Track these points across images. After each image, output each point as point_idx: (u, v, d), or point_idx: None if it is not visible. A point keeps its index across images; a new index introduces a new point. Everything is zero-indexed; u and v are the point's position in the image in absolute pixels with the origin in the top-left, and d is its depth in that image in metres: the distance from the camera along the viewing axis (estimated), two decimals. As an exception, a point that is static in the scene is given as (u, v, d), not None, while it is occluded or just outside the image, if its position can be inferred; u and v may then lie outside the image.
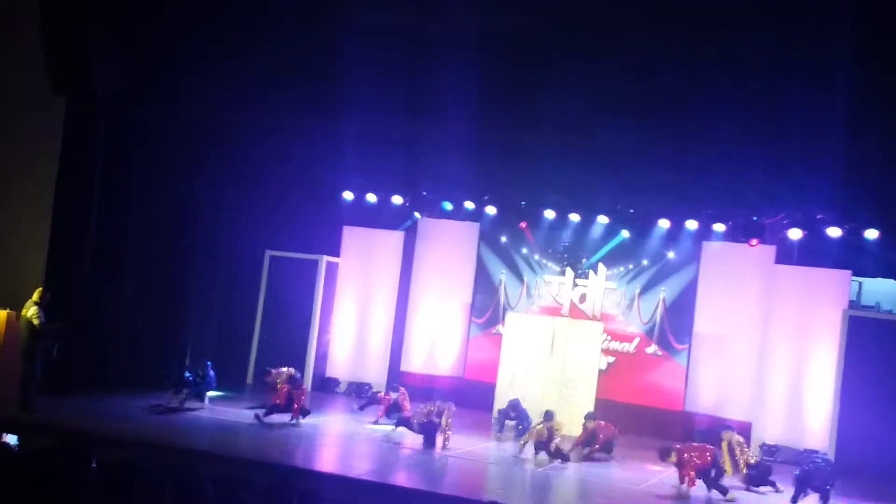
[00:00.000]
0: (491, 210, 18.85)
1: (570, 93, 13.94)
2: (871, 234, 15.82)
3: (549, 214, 18.42)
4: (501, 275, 19.26)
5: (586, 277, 18.66)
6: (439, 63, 13.94)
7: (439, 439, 14.29)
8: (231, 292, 19.17)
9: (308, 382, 18.94)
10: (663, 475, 13.81)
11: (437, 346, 19.54)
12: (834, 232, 16.14)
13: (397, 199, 19.28)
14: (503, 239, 19.22)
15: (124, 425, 13.02)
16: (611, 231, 18.14)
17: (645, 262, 18.23)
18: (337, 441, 14.69)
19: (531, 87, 14.16)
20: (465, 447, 14.62)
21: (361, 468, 12.46)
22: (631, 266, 18.35)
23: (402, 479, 12.30)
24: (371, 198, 19.39)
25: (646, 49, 13.29)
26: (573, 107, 14.04)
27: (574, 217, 18.32)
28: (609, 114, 13.92)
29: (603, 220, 18.03)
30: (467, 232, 19.52)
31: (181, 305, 17.70)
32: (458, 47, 13.79)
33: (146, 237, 16.78)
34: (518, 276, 19.12)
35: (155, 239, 16.91)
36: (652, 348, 18.06)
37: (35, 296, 13.43)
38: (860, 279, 16.99)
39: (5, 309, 13.61)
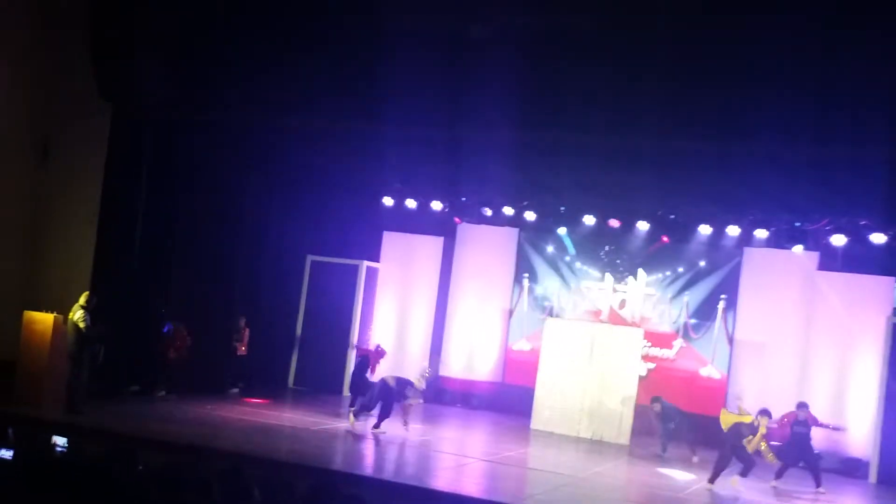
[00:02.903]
0: (530, 215, 18.86)
1: (612, 95, 13.90)
2: (917, 240, 15.62)
3: (589, 220, 18.39)
4: (525, 278, 19.28)
5: (626, 283, 18.62)
6: (480, 67, 13.95)
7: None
8: (274, 297, 19.38)
9: (347, 386, 19.10)
10: (703, 483, 13.73)
11: (476, 352, 19.58)
12: (878, 238, 15.95)
13: (437, 205, 19.37)
14: (549, 248, 19.18)
15: (170, 427, 13.21)
16: (652, 236, 18.07)
17: (682, 269, 18.14)
18: (375, 445, 14.77)
19: (573, 91, 14.13)
20: (503, 453, 14.65)
21: (402, 472, 12.53)
22: (668, 273, 18.27)
23: (441, 483, 12.35)
24: (411, 203, 19.50)
25: (692, 51, 13.22)
26: (616, 110, 13.99)
27: (614, 222, 18.28)
28: (653, 117, 13.85)
29: (643, 225, 17.97)
30: (507, 237, 19.55)
31: (225, 310, 17.90)
32: (499, 50, 13.80)
33: (191, 242, 17.01)
34: (560, 281, 19.11)
35: (200, 244, 17.13)
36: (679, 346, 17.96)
37: (82, 299, 13.67)
38: (905, 286, 16.75)
39: (53, 313, 13.89)
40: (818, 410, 16.28)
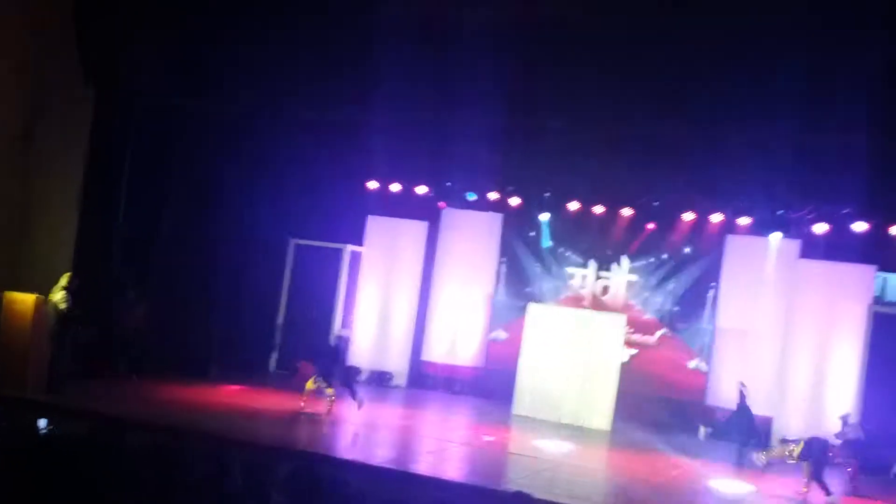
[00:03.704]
0: (515, 201, 18.87)
1: (598, 83, 13.91)
2: (897, 229, 15.74)
3: (574, 206, 18.41)
4: (503, 264, 19.28)
5: (609, 269, 18.67)
6: (467, 53, 13.93)
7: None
8: (256, 280, 19.30)
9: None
10: (683, 469, 13.85)
11: (459, 337, 19.61)
12: (860, 226, 16.05)
13: (421, 189, 19.34)
14: (532, 234, 19.20)
15: (153, 410, 13.18)
16: (636, 223, 18.11)
17: (665, 256, 18.21)
18: (358, 429, 14.78)
19: (560, 78, 14.14)
20: (484, 437, 14.70)
21: (384, 456, 12.56)
22: (652, 259, 18.33)
23: (423, 467, 12.38)
24: (395, 187, 19.46)
25: (678, 40, 13.24)
26: (602, 97, 14.01)
27: (598, 209, 18.31)
28: (639, 104, 13.88)
29: (627, 212, 18.02)
30: (491, 222, 19.55)
31: (207, 292, 17.85)
32: (486, 36, 13.78)
33: (174, 225, 16.96)
34: (542, 267, 19.14)
35: (182, 227, 17.07)
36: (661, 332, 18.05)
37: (63, 280, 13.61)
38: (885, 274, 16.88)
39: (34, 294, 13.78)
40: (798, 398, 16.49)
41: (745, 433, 14.69)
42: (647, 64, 13.70)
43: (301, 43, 14.92)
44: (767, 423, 16.79)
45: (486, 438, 14.59)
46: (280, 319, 19.59)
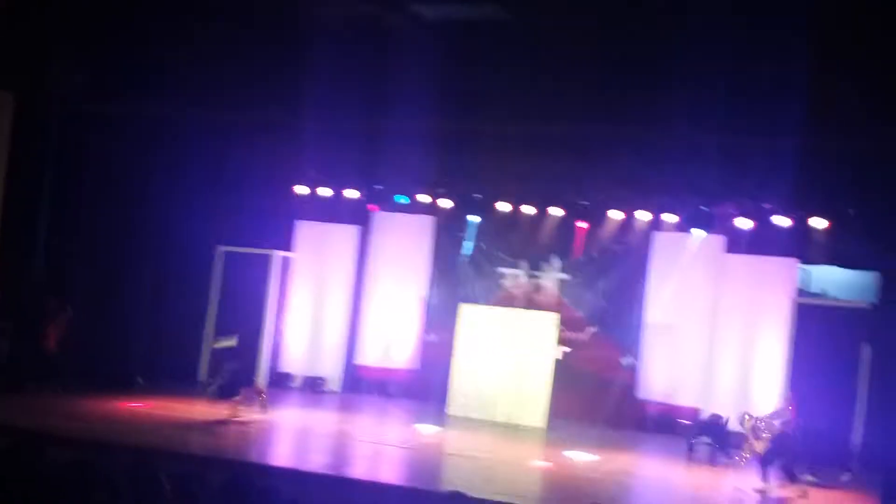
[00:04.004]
0: (446, 203, 18.86)
1: (528, 83, 14.00)
2: (819, 222, 16.11)
3: (504, 206, 18.48)
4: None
5: (540, 269, 18.77)
6: (397, 55, 13.91)
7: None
8: (183, 288, 18.93)
9: (262, 377, 18.85)
10: (616, 462, 14.01)
11: (393, 340, 19.53)
12: (782, 221, 16.42)
13: (351, 193, 19.21)
14: (464, 236, 19.19)
15: (76, 424, 12.84)
16: (565, 222, 18.23)
17: (595, 255, 18.36)
18: (292, 436, 14.63)
19: (489, 79, 14.21)
20: (420, 439, 14.66)
21: (317, 462, 12.44)
22: (582, 258, 18.47)
23: (358, 472, 12.30)
24: (325, 192, 19.28)
25: (605, 40, 13.40)
26: (530, 98, 14.11)
27: (529, 209, 18.39)
28: (567, 105, 14.01)
29: (557, 212, 18.14)
30: (422, 225, 19.52)
31: (133, 303, 17.48)
32: (416, 38, 13.77)
33: (97, 235, 16.58)
34: (474, 268, 19.16)
35: (106, 234, 16.70)
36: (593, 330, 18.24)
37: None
38: (808, 267, 17.29)
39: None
40: (726, 391, 16.79)
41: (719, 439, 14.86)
42: (574, 64, 13.83)
43: (226, 43, 14.72)
44: (696, 414, 17.07)
45: (422, 440, 14.55)
46: (208, 328, 19.24)
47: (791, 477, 12.74)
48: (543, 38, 13.80)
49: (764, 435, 13.01)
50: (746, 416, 13.53)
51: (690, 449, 14.85)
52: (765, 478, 12.80)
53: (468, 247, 19.03)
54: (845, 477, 13.34)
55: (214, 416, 14.44)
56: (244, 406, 14.74)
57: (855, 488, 13.31)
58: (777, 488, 12.73)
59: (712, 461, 14.63)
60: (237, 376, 14.81)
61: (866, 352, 15.37)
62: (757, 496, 12.65)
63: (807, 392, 15.06)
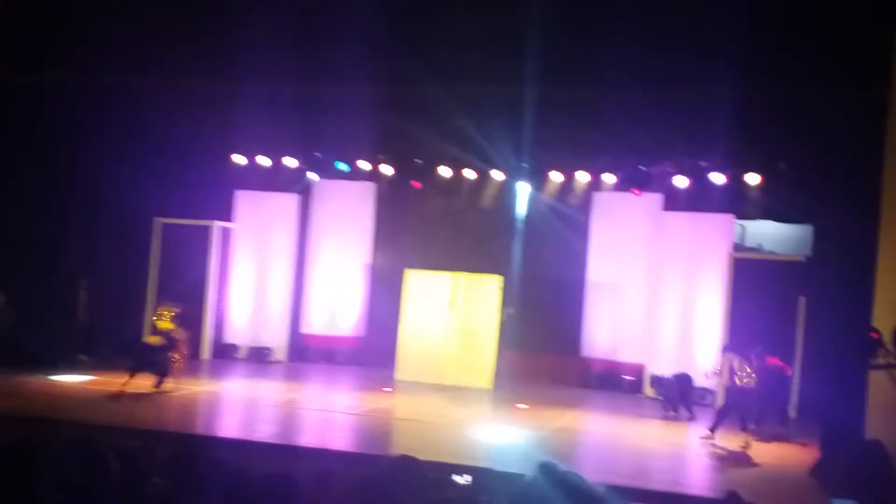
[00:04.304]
0: (387, 169, 18.77)
1: (464, 46, 13.94)
2: (753, 178, 16.39)
3: (445, 171, 18.44)
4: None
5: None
6: (332, 21, 13.73)
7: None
8: (121, 262, 18.59)
9: (207, 349, 18.68)
10: (563, 420, 14.21)
11: (338, 307, 19.48)
12: (718, 178, 16.67)
13: (290, 162, 18.99)
14: (406, 201, 19.13)
15: (19, 402, 12.60)
16: (508, 185, 18.27)
17: (540, 215, 18.42)
18: (239, 407, 14.54)
19: (428, 44, 14.11)
20: (369, 405, 14.69)
21: (266, 432, 12.40)
22: (527, 219, 18.51)
23: (307, 439, 12.29)
24: (263, 160, 19.03)
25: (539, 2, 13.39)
26: (468, 61, 14.05)
27: (470, 173, 18.37)
28: (504, 69, 13.99)
29: (497, 175, 18.16)
30: (364, 192, 19.41)
31: (72, 279, 17.13)
32: (351, 4, 13.60)
33: (32, 210, 16.15)
34: (418, 233, 19.12)
35: (40, 211, 16.30)
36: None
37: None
38: (743, 222, 17.61)
39: None
40: (668, 346, 17.10)
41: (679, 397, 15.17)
42: (509, 28, 13.81)
43: (160, 13, 14.39)
44: (639, 370, 17.39)
45: (371, 406, 14.59)
46: (149, 302, 18.95)
47: (744, 429, 13.04)
48: (476, 2, 13.76)
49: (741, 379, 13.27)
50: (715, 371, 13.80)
51: (666, 408, 15.10)
52: (714, 429, 13.09)
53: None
54: (786, 427, 13.68)
55: (159, 389, 14.28)
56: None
57: (795, 437, 13.67)
58: (724, 438, 13.03)
59: (666, 416, 14.96)
60: (164, 367, 14.59)
61: (802, 304, 15.72)
62: (707, 445, 12.93)
63: (745, 345, 15.39)
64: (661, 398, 15.55)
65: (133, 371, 14.22)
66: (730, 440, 13.05)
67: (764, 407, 13.67)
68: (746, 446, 12.80)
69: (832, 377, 12.40)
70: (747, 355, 13.40)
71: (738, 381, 13.24)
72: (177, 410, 13.27)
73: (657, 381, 15.62)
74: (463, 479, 8.32)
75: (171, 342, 14.67)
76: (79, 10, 14.21)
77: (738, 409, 13.19)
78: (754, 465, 12.12)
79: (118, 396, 13.74)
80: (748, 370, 13.23)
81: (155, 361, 14.44)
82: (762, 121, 14.66)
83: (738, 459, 12.34)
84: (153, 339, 14.69)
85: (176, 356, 14.84)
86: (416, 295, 17.87)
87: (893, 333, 10.81)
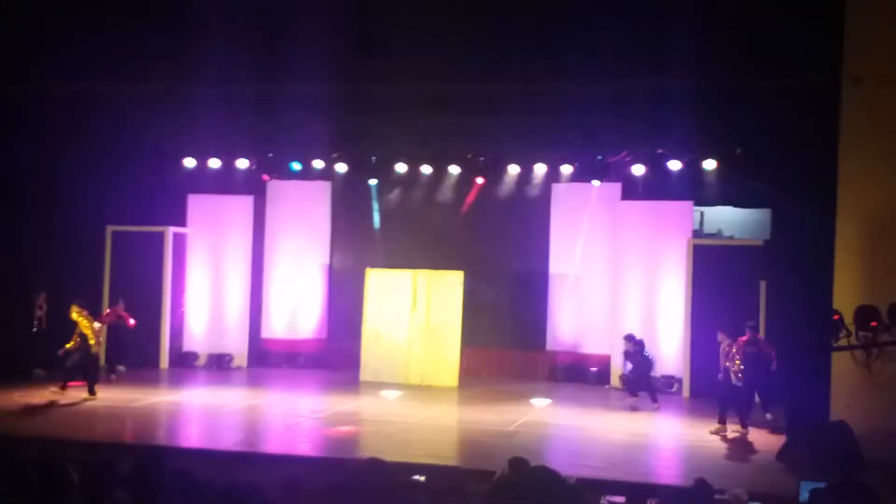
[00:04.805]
0: (342, 167, 18.57)
1: (421, 44, 13.83)
2: (710, 164, 16.46)
3: (401, 167, 18.29)
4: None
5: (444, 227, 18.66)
6: (288, 20, 13.54)
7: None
8: (74, 273, 18.12)
9: (165, 359, 18.34)
10: (531, 414, 14.17)
11: (298, 310, 19.25)
12: (675, 165, 16.71)
13: (243, 163, 18.71)
14: (361, 200, 18.95)
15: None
16: (464, 179, 18.16)
17: (500, 209, 18.35)
18: (201, 416, 14.27)
19: (381, 41, 13.97)
20: (334, 408, 14.51)
21: (229, 440, 12.17)
22: (486, 214, 18.44)
23: (272, 446, 12.09)
24: (215, 163, 18.72)
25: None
26: (423, 57, 13.94)
27: (426, 168, 18.25)
28: (458, 63, 13.90)
29: (455, 169, 18.05)
30: (319, 191, 19.20)
31: (23, 291, 16.71)
32: (306, 2, 13.42)
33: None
34: (376, 231, 18.96)
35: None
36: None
37: None
38: (702, 209, 17.68)
39: None
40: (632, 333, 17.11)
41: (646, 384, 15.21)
42: (465, 24, 13.73)
43: (108, 15, 14.06)
44: (605, 361, 17.38)
45: (336, 409, 14.42)
46: (103, 311, 18.55)
47: (743, 422, 13.06)
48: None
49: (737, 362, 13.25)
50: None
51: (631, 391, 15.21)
52: (723, 421, 13.08)
53: (377, 217, 18.82)
54: (769, 416, 13.68)
55: (118, 401, 13.98)
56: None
57: (761, 418, 13.71)
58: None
59: (629, 403, 14.99)
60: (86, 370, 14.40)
61: (763, 288, 15.81)
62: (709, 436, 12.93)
63: (708, 330, 15.47)
64: (626, 375, 15.59)
65: (64, 381, 14.15)
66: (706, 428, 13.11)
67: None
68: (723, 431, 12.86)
69: (796, 360, 12.48)
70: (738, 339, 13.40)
71: (729, 366, 13.26)
72: (138, 422, 12.99)
73: (630, 338, 15.45)
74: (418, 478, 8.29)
75: (83, 339, 14.37)
76: (22, 14, 13.83)
77: (735, 398, 13.18)
78: (722, 450, 12.14)
79: (51, 406, 13.51)
80: (736, 358, 13.23)
81: (78, 367, 14.33)
82: (718, 107, 14.71)
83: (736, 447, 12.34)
84: (69, 345, 14.44)
85: (93, 346, 14.56)
86: (377, 294, 17.69)
87: (854, 315, 10.87)
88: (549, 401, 15.35)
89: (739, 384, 13.14)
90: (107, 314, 16.46)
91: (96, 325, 14.77)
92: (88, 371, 14.48)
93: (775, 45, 13.31)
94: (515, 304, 18.36)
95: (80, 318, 14.47)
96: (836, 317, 11.42)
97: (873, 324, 10.31)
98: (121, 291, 17.85)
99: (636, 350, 15.09)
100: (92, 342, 14.46)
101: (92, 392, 14.29)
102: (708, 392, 15.31)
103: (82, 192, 17.21)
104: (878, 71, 11.69)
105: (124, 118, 16.32)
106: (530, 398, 15.53)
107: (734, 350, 13.26)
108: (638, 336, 15.39)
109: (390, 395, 15.72)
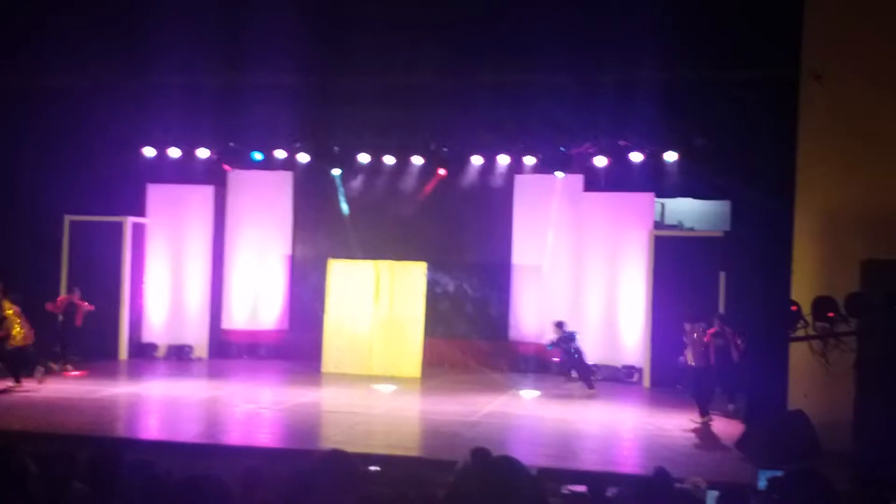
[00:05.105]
0: (304, 157, 18.45)
1: (384, 34, 13.76)
2: (670, 156, 16.58)
3: (364, 158, 18.21)
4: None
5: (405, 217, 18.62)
6: (250, 9, 13.39)
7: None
8: (31, 262, 17.84)
9: (124, 349, 18.13)
10: (493, 405, 14.21)
11: (259, 301, 19.12)
12: (636, 157, 16.81)
13: (203, 153, 18.50)
14: (325, 190, 18.85)
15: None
16: (427, 170, 18.11)
17: (463, 200, 18.35)
18: (160, 407, 14.13)
19: (345, 32, 13.88)
20: (296, 399, 14.44)
21: (190, 431, 12.07)
22: (447, 204, 18.43)
23: (233, 437, 12.00)
24: (175, 152, 18.50)
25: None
26: (389, 48, 13.88)
27: (389, 159, 18.18)
28: (421, 54, 13.86)
29: (418, 160, 18.01)
30: (281, 182, 19.07)
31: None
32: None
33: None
34: (339, 222, 18.88)
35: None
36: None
37: None
38: (663, 200, 17.81)
39: None
40: (594, 324, 17.24)
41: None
42: (429, 16, 13.68)
43: (65, 4, 13.82)
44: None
45: (297, 400, 14.34)
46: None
47: (704, 411, 13.19)
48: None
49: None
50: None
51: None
52: (704, 412, 13.19)
53: (344, 204, 18.74)
54: (731, 406, 13.81)
55: (75, 393, 13.80)
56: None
57: (720, 408, 13.85)
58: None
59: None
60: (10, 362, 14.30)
61: (723, 279, 15.97)
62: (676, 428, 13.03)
63: (668, 321, 15.62)
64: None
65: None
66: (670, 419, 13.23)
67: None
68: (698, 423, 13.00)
69: (755, 350, 12.63)
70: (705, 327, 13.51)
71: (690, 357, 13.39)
72: (96, 413, 12.81)
73: (559, 324, 15.64)
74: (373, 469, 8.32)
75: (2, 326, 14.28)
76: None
77: (702, 387, 13.31)
78: (681, 439, 12.25)
79: (8, 397, 13.34)
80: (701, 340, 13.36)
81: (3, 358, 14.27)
82: (680, 100, 14.82)
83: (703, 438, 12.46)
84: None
85: (16, 334, 14.39)
86: (339, 285, 17.61)
87: (812, 306, 11.01)
88: (537, 392, 15.43)
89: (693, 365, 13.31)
90: (60, 300, 16.24)
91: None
92: (13, 363, 14.29)
93: (737, 39, 13.41)
94: (478, 295, 18.40)
95: (10, 312, 14.25)
96: (793, 308, 11.57)
97: (830, 315, 10.43)
98: (79, 282, 17.64)
99: (563, 339, 15.48)
100: (15, 335, 14.23)
101: (17, 381, 14.15)
102: (670, 381, 15.49)
103: (40, 181, 16.94)
104: (837, 67, 11.84)
105: (83, 107, 16.06)
106: (505, 389, 15.65)
107: (702, 338, 13.37)
108: (572, 327, 15.69)
109: (385, 388, 15.60)
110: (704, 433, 12.68)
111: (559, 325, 15.66)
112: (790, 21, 12.08)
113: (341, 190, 18.74)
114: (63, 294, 16.79)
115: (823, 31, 11.95)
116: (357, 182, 18.74)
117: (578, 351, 15.52)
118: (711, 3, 13.60)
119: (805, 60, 12.03)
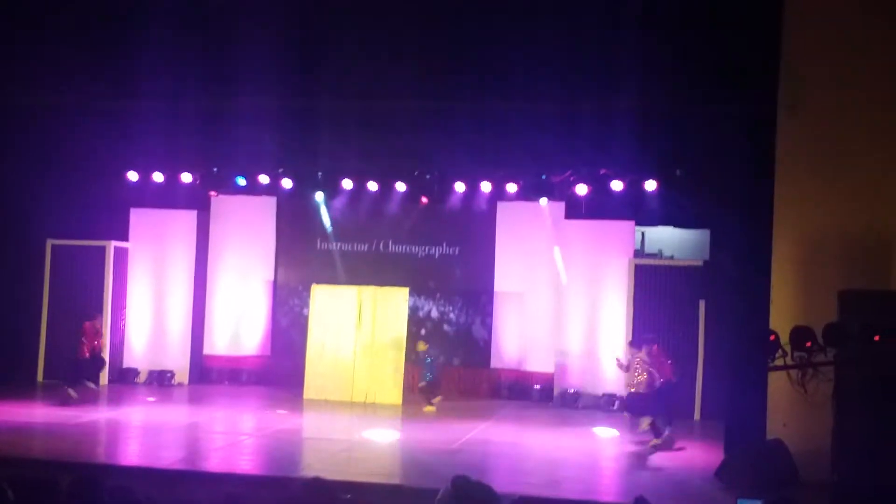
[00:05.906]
0: (287, 183, 18.50)
1: (368, 59, 13.87)
2: (650, 185, 16.74)
3: (347, 184, 18.28)
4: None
5: (388, 244, 18.68)
6: (234, 34, 13.47)
7: None
8: (12, 288, 17.76)
9: (105, 375, 18.04)
10: (474, 432, 14.23)
11: (241, 326, 19.09)
12: (617, 185, 16.96)
13: (187, 177, 18.53)
14: (308, 216, 18.90)
15: None
16: (410, 197, 18.20)
17: (441, 228, 18.44)
18: (141, 433, 14.06)
19: (329, 56, 13.97)
20: (277, 426, 14.41)
21: (170, 458, 12.02)
22: (428, 232, 18.52)
23: (214, 464, 11.96)
24: (158, 177, 18.50)
25: (441, 15, 13.40)
26: (371, 73, 13.98)
27: (372, 185, 18.26)
28: (405, 80, 13.96)
29: (401, 186, 18.10)
30: (264, 207, 19.10)
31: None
32: (254, 16, 13.36)
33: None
34: (322, 248, 18.92)
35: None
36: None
37: None
38: (643, 228, 17.96)
39: None
40: (575, 353, 17.30)
41: None
42: (410, 40, 13.80)
43: (49, 26, 13.84)
44: (549, 379, 17.51)
45: (279, 414, 14.30)
46: (43, 327, 18.22)
47: (657, 431, 13.22)
48: (383, 13, 13.70)
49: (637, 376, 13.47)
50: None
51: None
52: (659, 434, 13.24)
53: (328, 224, 18.80)
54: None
55: (57, 418, 13.72)
56: None
57: (699, 437, 13.94)
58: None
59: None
60: None
61: (702, 307, 16.09)
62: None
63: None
64: None
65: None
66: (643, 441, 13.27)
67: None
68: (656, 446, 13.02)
69: (733, 379, 12.71)
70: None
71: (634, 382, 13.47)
72: (77, 439, 12.74)
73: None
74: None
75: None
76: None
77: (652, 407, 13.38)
78: (661, 468, 12.30)
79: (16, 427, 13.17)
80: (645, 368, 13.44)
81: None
82: (660, 129, 14.97)
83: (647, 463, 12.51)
84: None
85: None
86: (322, 311, 17.62)
87: (790, 335, 11.11)
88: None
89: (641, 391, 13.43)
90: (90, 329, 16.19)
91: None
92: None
93: (716, 70, 13.60)
94: (460, 322, 18.45)
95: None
96: (772, 337, 11.67)
97: (808, 344, 10.53)
98: (60, 306, 17.58)
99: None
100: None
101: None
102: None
103: (22, 204, 16.91)
104: (812, 100, 12.04)
105: (66, 130, 16.05)
106: (474, 415, 15.62)
107: (643, 363, 13.50)
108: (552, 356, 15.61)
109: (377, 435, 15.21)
110: (681, 460, 12.73)
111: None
112: (767, 52, 12.28)
113: (326, 211, 18.79)
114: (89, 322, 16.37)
115: (799, 65, 12.16)
116: (340, 207, 18.79)
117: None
118: (692, 37, 13.78)
119: (781, 93, 12.22)
